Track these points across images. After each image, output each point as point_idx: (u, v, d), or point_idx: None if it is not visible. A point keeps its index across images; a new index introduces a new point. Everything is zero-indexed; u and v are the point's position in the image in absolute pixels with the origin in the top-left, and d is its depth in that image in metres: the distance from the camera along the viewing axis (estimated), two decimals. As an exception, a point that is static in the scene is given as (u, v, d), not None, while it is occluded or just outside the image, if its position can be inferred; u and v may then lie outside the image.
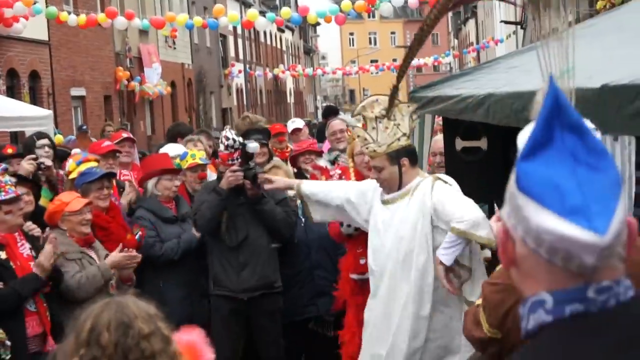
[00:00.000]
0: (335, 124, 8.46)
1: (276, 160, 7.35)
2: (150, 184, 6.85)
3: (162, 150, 7.52)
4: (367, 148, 4.98)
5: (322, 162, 7.00)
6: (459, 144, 6.56)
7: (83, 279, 5.69)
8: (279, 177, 5.83)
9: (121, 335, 2.51)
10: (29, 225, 5.78)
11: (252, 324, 6.48)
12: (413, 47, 5.01)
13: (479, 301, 3.41)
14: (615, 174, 1.54)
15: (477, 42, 49.63)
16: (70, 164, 6.88)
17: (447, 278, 4.73)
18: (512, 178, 1.57)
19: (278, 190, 6.24)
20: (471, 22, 60.54)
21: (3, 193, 5.34)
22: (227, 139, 6.22)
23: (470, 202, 4.86)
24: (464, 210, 4.72)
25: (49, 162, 7.09)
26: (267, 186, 5.78)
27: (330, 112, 12.49)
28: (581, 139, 1.54)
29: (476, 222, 4.65)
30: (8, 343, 4.94)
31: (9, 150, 7.41)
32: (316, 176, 6.76)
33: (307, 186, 5.48)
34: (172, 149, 7.48)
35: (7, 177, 5.47)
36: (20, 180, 6.16)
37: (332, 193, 5.39)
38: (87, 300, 5.66)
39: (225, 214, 6.28)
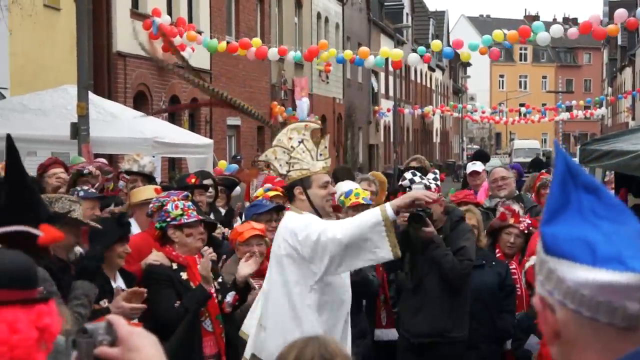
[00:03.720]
0: (498, 170, 8.34)
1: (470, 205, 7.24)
2: None
3: (336, 187, 7.64)
4: None
5: (516, 207, 6.88)
6: (631, 201, 6.43)
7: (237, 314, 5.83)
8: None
9: None
10: (207, 250, 5.98)
11: None
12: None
13: None
14: (637, 226, 1.55)
15: (634, 90, 48.19)
16: (259, 191, 7.18)
17: None
18: (539, 246, 1.58)
19: (459, 239, 6.23)
20: (628, 70, 59.03)
21: (186, 216, 5.58)
22: (404, 179, 6.25)
23: None
24: None
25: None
26: None
27: (480, 157, 11.68)
28: (597, 197, 1.57)
29: None
30: None
31: (192, 180, 7.66)
32: (506, 216, 6.67)
33: None
34: (347, 186, 7.58)
35: (189, 202, 5.72)
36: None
37: None
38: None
39: (407, 254, 6.28)
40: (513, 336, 6.72)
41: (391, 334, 7.01)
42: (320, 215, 4.99)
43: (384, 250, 4.67)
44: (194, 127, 20.71)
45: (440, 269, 6.21)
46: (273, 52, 20.02)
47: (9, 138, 4.33)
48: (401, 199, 4.78)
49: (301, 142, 4.92)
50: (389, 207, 4.66)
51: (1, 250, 2.24)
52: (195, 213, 5.65)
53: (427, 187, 6.08)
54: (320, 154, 4.94)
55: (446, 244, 6.23)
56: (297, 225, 4.88)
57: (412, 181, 6.11)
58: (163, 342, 4.80)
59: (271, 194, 6.96)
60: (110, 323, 2.02)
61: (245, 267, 5.66)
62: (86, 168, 7.71)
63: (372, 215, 4.69)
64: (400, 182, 6.27)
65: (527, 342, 6.32)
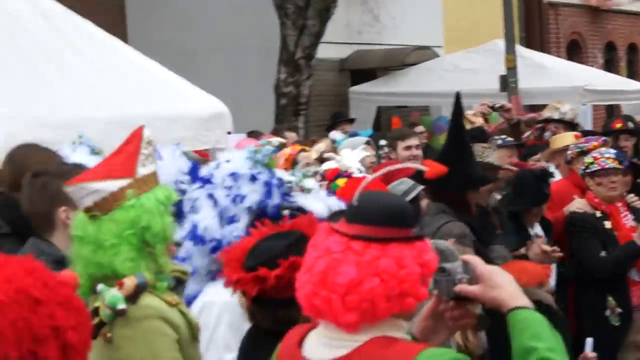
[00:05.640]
0: None
1: None
2: None
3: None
4: None
5: None
6: None
7: None
8: None
9: None
10: (632, 197, 5.85)
11: None
12: None
13: None
14: None
15: None
16: None
17: None
18: None
19: None
20: None
21: (596, 164, 5.56)
22: None
23: None
24: None
25: None
26: None
27: None
28: None
29: None
30: (619, 310, 5.23)
31: (617, 125, 7.62)
32: None
33: None
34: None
35: (606, 150, 5.64)
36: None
37: None
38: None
39: None
40: None
41: None
42: None
43: None
44: (633, 75, 19.94)
45: None
46: None
47: (457, 96, 4.65)
48: None
49: None
50: None
51: (379, 192, 2.37)
52: (607, 162, 5.56)
53: None
54: None
55: None
56: None
57: None
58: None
59: None
60: (466, 262, 2.12)
61: None
62: (497, 103, 8.04)
63: None
64: None
65: None
